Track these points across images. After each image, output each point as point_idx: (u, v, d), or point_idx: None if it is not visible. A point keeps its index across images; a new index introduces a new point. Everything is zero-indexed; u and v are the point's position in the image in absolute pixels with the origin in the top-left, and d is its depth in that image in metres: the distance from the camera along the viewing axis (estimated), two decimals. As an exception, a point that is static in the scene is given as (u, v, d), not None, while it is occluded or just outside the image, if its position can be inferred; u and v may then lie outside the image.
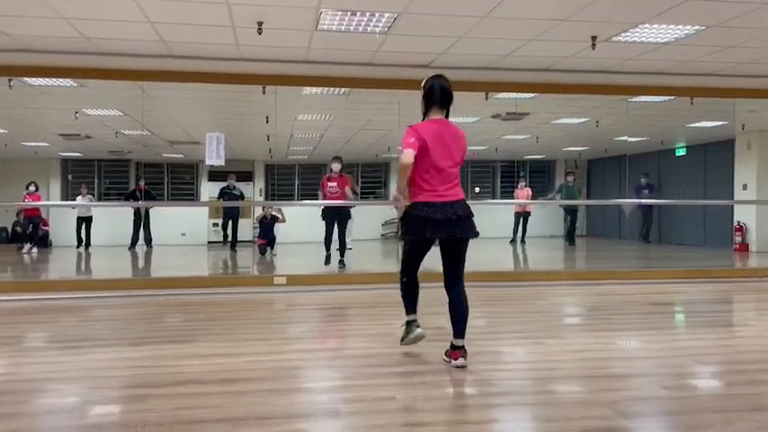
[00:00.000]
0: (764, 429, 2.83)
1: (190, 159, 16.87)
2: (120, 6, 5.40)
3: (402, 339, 4.15)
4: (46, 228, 15.72)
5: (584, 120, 11.38)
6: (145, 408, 3.09)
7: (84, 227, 14.40)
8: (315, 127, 11.88)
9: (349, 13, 5.61)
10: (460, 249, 3.96)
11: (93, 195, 16.29)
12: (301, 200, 17.22)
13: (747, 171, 12.67)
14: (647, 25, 5.98)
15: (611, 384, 3.55)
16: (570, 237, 14.37)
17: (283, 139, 13.21)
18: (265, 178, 17.75)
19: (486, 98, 8.65)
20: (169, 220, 15.17)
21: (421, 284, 4.12)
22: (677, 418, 3.01)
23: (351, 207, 10.16)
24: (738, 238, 12.84)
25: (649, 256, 12.84)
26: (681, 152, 15.16)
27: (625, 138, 13.25)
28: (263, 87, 7.93)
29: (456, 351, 3.85)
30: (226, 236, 13.83)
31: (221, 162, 8.01)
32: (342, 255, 9.31)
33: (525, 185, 15.25)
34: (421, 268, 4.11)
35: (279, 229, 12.71)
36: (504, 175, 17.94)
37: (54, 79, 7.72)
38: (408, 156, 3.78)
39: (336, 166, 9.22)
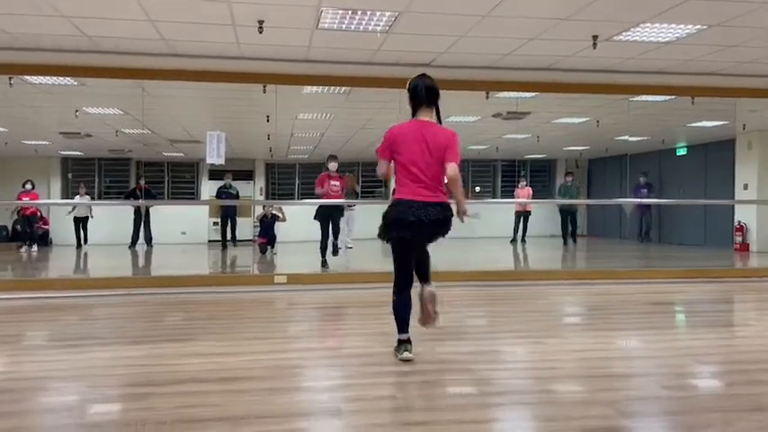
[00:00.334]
0: (765, 429, 2.83)
1: (190, 158, 16.87)
2: (120, 5, 5.40)
3: (394, 353, 4.06)
4: (46, 227, 15.73)
5: (584, 119, 11.37)
6: (145, 406, 3.09)
7: (81, 226, 14.39)
8: (315, 126, 11.88)
9: (350, 12, 5.60)
10: (424, 247, 4.17)
11: (93, 194, 16.31)
12: (302, 199, 17.21)
13: (748, 171, 12.67)
14: (649, 24, 5.97)
15: (612, 384, 3.55)
16: (572, 236, 14.37)
17: (284, 138, 13.20)
18: (266, 177, 17.74)
19: (487, 97, 8.65)
20: (169, 218, 15.17)
21: (416, 284, 4.13)
22: (677, 417, 3.01)
23: (352, 206, 10.16)
24: (739, 238, 12.84)
25: (649, 256, 12.83)
26: (681, 152, 15.15)
27: (626, 137, 13.24)
28: (264, 86, 7.92)
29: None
30: (224, 237, 13.81)
31: (221, 161, 8.00)
32: (335, 253, 9.38)
33: (526, 185, 15.25)
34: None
35: (279, 228, 12.71)
36: (504, 174, 17.95)
37: (54, 77, 7.71)
38: (380, 165, 4.07)
39: (334, 165, 9.21)
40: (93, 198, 15.88)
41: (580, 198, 15.81)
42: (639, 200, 14.00)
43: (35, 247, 13.99)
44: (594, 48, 6.53)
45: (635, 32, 6.21)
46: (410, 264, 4.06)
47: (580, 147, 15.80)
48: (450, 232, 4.06)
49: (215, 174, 15.76)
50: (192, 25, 6.00)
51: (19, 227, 15.06)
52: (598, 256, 13.09)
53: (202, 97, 9.35)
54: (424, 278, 4.17)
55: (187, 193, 17.52)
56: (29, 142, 14.11)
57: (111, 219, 14.99)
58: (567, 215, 14.35)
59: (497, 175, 18.06)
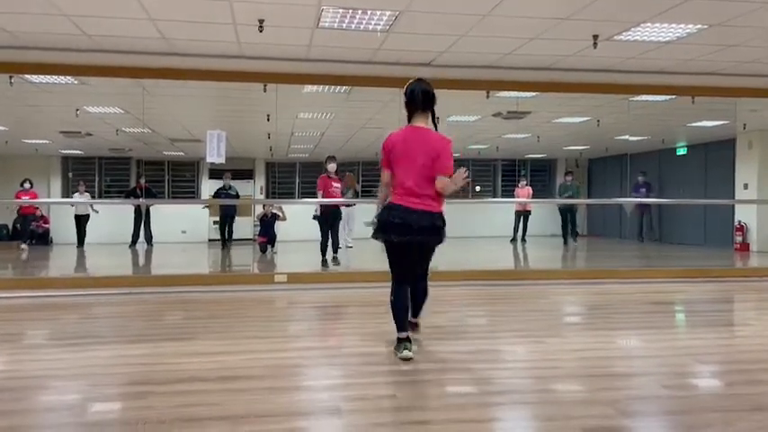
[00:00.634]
0: (765, 429, 2.83)
1: (190, 157, 16.87)
2: (121, 3, 5.40)
3: (393, 352, 4.08)
4: (47, 225, 15.72)
5: (585, 119, 11.37)
6: (145, 405, 3.09)
7: (81, 225, 14.38)
8: (315, 125, 11.88)
9: (350, 11, 5.60)
10: (422, 252, 4.12)
11: (94, 193, 16.31)
12: (302, 198, 17.21)
13: (748, 170, 12.66)
14: (649, 24, 5.97)
15: (612, 383, 3.55)
16: (572, 234, 14.36)
17: (284, 137, 13.20)
18: (266, 176, 17.75)
19: (488, 97, 8.65)
20: (170, 217, 15.18)
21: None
22: (678, 417, 3.01)
23: (352, 206, 10.16)
24: (739, 238, 12.83)
25: (650, 256, 12.83)
26: (682, 151, 15.14)
27: (626, 137, 13.24)
28: (264, 85, 7.92)
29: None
30: (224, 236, 13.82)
31: (222, 160, 8.00)
32: (335, 251, 9.31)
33: (526, 184, 15.25)
34: None
35: (279, 227, 12.70)
36: (504, 173, 17.95)
37: (55, 76, 7.72)
38: (383, 176, 4.11)
39: (333, 166, 9.21)
40: (93, 197, 15.89)
41: (580, 197, 15.81)
42: (639, 199, 14.00)
43: (25, 246, 13.88)
44: (595, 47, 6.53)
45: (635, 32, 6.21)
46: (403, 265, 4.07)
47: (580, 146, 15.80)
48: (443, 242, 4.07)
49: (215, 173, 15.76)
50: (192, 24, 6.00)
51: (18, 226, 15.06)
52: (598, 256, 13.09)
53: (203, 96, 9.35)
54: (414, 313, 4.30)
55: (187, 192, 17.52)
56: (29, 141, 14.11)
57: (112, 218, 14.98)
58: (567, 214, 14.36)
59: (497, 174, 18.07)
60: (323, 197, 9.21)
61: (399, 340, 4.01)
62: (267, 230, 12.41)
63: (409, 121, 4.07)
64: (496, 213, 15.71)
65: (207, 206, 15.35)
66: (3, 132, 12.65)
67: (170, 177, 17.44)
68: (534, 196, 15.65)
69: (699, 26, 6.02)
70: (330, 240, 9.34)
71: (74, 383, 3.59)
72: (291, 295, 7.12)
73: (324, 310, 6.50)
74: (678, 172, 15.08)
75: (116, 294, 6.88)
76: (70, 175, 16.85)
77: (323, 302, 6.82)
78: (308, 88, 8.44)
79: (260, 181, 17.56)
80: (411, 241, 3.97)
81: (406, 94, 4.07)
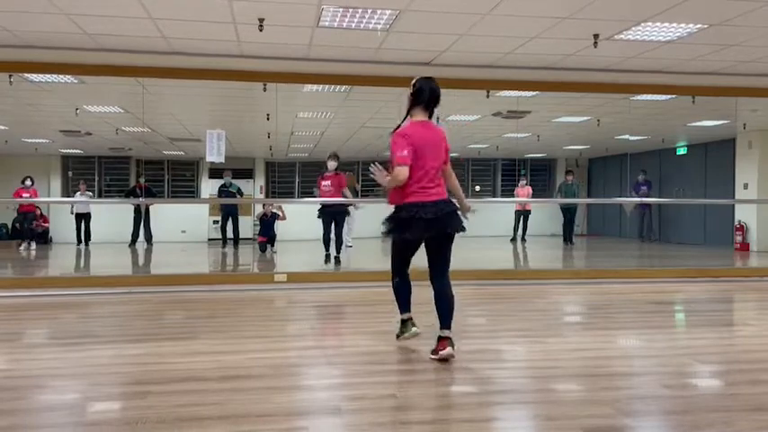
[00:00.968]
0: (766, 429, 2.83)
1: (190, 156, 16.87)
2: (121, 2, 5.39)
3: (398, 336, 4.25)
4: (46, 225, 15.71)
5: (585, 118, 11.37)
6: (145, 405, 3.08)
7: (82, 223, 14.39)
8: (315, 124, 11.87)
9: (350, 10, 5.59)
10: (447, 245, 4.04)
11: (94, 193, 16.31)
12: (302, 197, 17.22)
13: (748, 170, 12.66)
14: (650, 23, 5.97)
15: (612, 383, 3.54)
16: (569, 236, 14.36)
17: (284, 136, 13.20)
18: (266, 176, 17.74)
19: (488, 96, 8.65)
20: (169, 217, 15.17)
21: (417, 283, 4.17)
22: (678, 417, 3.01)
23: (347, 205, 10.15)
24: (739, 238, 12.83)
25: (650, 255, 12.83)
26: (682, 151, 15.15)
27: (626, 136, 13.24)
28: (264, 84, 7.92)
29: (442, 341, 3.88)
30: (225, 236, 13.81)
31: (221, 159, 8.00)
32: (338, 252, 9.33)
33: (526, 184, 15.25)
34: (413, 266, 4.17)
35: (279, 227, 12.70)
36: (504, 173, 17.94)
37: (54, 75, 7.71)
38: (403, 173, 3.84)
39: (332, 165, 9.22)
40: (93, 196, 15.89)
41: (581, 197, 15.81)
42: (639, 199, 14.00)
43: (33, 245, 13.96)
44: (595, 47, 6.52)
45: (636, 31, 6.20)
46: (409, 261, 4.14)
47: (580, 146, 15.81)
48: (465, 230, 4.06)
49: (215, 172, 15.75)
50: (192, 23, 5.99)
51: (18, 225, 15.06)
52: (598, 255, 13.08)
53: (203, 95, 9.34)
54: (445, 323, 3.92)
55: (187, 191, 17.52)
56: (29, 140, 14.11)
57: (112, 217, 14.98)
58: (568, 214, 14.37)
59: (497, 173, 18.06)
60: (319, 195, 9.30)
61: (403, 321, 4.12)
62: (267, 230, 12.41)
63: (408, 112, 4.06)
64: (496, 213, 15.72)
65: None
66: (2, 131, 12.65)
67: (170, 177, 17.44)
68: (534, 196, 15.65)
69: (699, 25, 6.02)
70: (333, 236, 9.34)
71: (73, 383, 3.59)
72: (291, 294, 7.11)
73: (324, 309, 6.50)
74: (678, 171, 15.08)
75: (116, 293, 6.88)
76: (70, 174, 16.85)
77: (323, 302, 6.82)
78: (308, 88, 8.43)
79: (260, 180, 17.56)
80: (441, 232, 3.93)
81: (415, 89, 4.04)
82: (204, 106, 10.57)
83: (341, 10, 5.59)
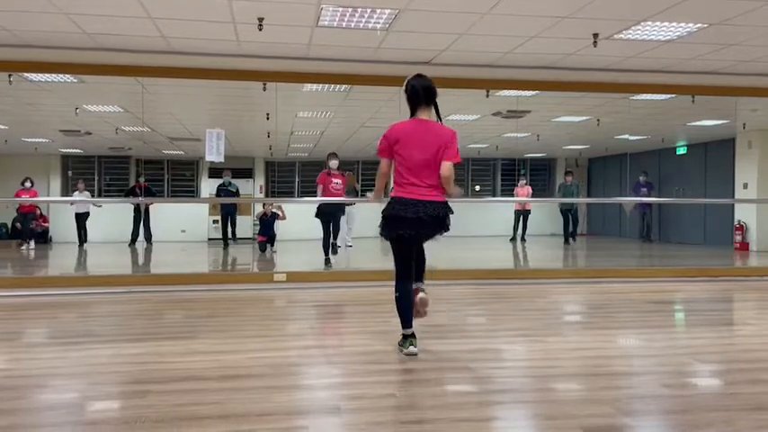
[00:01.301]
0: (765, 429, 2.82)
1: (190, 156, 16.86)
2: (121, 2, 5.39)
3: (399, 345, 4.11)
4: (46, 224, 15.71)
5: (585, 118, 11.36)
6: (144, 404, 3.08)
7: (82, 223, 14.38)
8: (315, 124, 11.87)
9: (350, 10, 5.59)
10: (426, 239, 4.17)
11: (93, 192, 16.30)
12: (301, 197, 17.21)
13: (748, 170, 12.66)
14: (649, 23, 5.97)
15: (612, 382, 3.54)
16: (572, 235, 14.37)
17: (284, 136, 13.19)
18: (265, 175, 17.74)
19: (487, 96, 8.65)
20: (169, 216, 15.17)
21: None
22: (678, 416, 3.01)
23: (352, 204, 10.15)
24: (739, 237, 12.83)
25: (649, 255, 12.83)
26: (681, 151, 15.15)
27: (626, 136, 13.24)
28: (264, 84, 7.92)
29: (415, 290, 4.10)
30: (225, 235, 13.81)
31: (221, 158, 7.99)
32: (335, 238, 9.38)
33: (526, 183, 15.24)
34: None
35: (279, 227, 12.70)
36: (504, 172, 17.94)
37: (54, 75, 7.71)
38: (382, 164, 4.06)
39: (335, 164, 9.20)
40: (92, 195, 15.88)
41: (580, 197, 15.81)
42: (639, 198, 14.00)
43: (32, 244, 13.95)
44: (595, 46, 6.52)
45: (636, 31, 6.20)
46: (410, 258, 4.11)
47: (580, 145, 15.80)
48: (449, 231, 4.10)
49: (215, 172, 15.75)
50: (191, 23, 5.99)
51: (19, 225, 15.06)
52: (598, 255, 13.09)
53: (202, 95, 9.34)
54: (419, 277, 4.21)
55: (187, 191, 17.51)
56: (29, 140, 14.10)
57: (111, 216, 14.98)
58: (568, 214, 14.37)
59: (497, 173, 18.05)
60: (322, 192, 9.18)
61: (405, 336, 4.03)
62: (267, 229, 12.40)
63: (412, 115, 4.07)
64: (496, 212, 15.72)
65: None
66: (2, 131, 12.64)
67: (169, 176, 17.43)
68: (534, 196, 15.64)
69: (699, 25, 6.02)
70: (332, 236, 9.32)
71: (73, 382, 3.59)
72: (291, 294, 7.11)
73: (323, 309, 6.50)
74: (678, 171, 15.08)
75: (116, 293, 6.88)
76: (70, 173, 16.84)
77: (322, 301, 6.82)
78: (308, 87, 8.43)
79: (259, 180, 17.55)
80: (421, 233, 4.00)
81: (406, 90, 4.07)
82: (204, 106, 10.56)
83: (340, 9, 5.58)
